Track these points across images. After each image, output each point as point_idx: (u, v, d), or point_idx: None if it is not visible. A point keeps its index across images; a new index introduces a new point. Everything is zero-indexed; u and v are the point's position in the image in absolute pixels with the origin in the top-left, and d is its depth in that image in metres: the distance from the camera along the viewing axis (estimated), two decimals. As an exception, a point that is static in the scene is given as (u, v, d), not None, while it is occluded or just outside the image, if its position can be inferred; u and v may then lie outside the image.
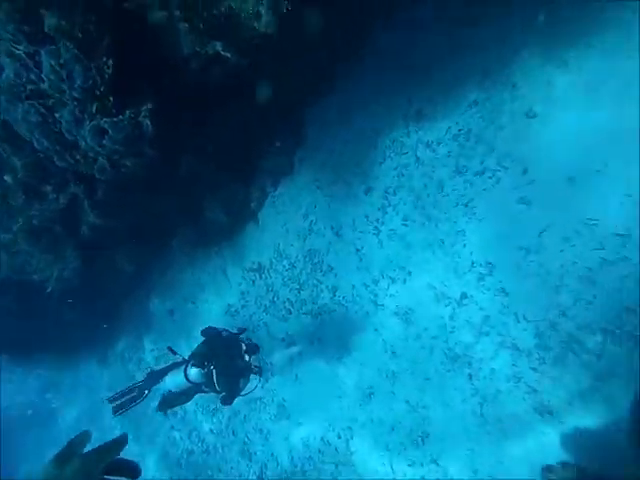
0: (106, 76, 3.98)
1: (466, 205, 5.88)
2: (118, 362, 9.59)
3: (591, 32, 5.36)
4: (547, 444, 5.21)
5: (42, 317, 7.10)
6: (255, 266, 7.68)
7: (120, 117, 4.37)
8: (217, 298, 8.16)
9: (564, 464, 4.36)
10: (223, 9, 4.06)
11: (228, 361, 5.48)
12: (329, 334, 6.91)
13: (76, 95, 4.09)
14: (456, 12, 6.17)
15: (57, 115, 4.38)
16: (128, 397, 6.56)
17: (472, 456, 5.74)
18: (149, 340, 9.10)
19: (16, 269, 6.30)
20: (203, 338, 5.75)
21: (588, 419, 5.00)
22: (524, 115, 5.61)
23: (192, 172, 6.33)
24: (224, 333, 5.74)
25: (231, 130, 6.19)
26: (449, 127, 6.11)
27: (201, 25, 4.18)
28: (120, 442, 1.27)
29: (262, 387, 6.84)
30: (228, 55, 4.41)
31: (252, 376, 5.83)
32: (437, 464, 5.99)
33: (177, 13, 3.98)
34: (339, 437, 6.78)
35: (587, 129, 5.20)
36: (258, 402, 7.53)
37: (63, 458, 1.13)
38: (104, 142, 4.42)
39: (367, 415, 6.53)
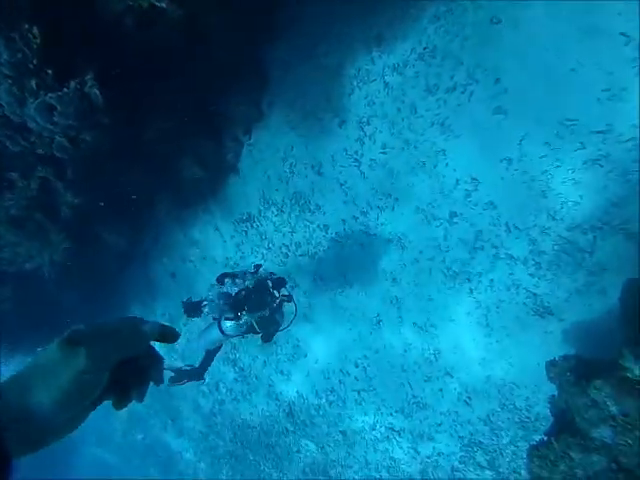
0: (34, 46, 3.69)
1: (442, 124, 5.68)
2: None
3: None
4: (551, 342, 5.38)
5: (42, 303, 7.17)
6: (245, 217, 7.60)
7: (65, 90, 4.12)
8: (214, 253, 8.17)
9: (565, 356, 4.51)
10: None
11: (259, 302, 5.40)
12: (328, 271, 6.96)
13: (7, 72, 3.81)
14: None
15: (-7, 97, 4.11)
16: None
17: (483, 364, 5.96)
18: (158, 305, 9.25)
19: (6, 261, 6.28)
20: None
21: (585, 313, 5.12)
22: (488, 22, 5.26)
23: (159, 134, 6.11)
24: (240, 276, 5.63)
25: (190, 86, 5.89)
26: (413, 47, 5.77)
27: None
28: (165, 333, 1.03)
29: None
30: (163, 5, 4.07)
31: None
32: (451, 376, 6.24)
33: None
34: (356, 366, 7.04)
35: (556, 28, 4.88)
36: (274, 346, 7.74)
37: (76, 339, 0.87)
38: (55, 119, 4.20)
39: (379, 342, 6.73)
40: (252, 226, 7.59)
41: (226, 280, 5.62)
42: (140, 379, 1.00)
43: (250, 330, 5.47)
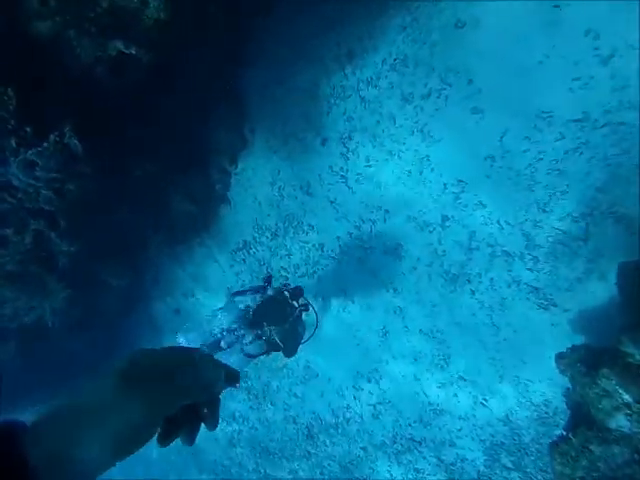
0: (11, 107, 3.76)
1: (422, 131, 5.73)
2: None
3: None
4: (558, 334, 5.33)
5: (47, 354, 7.16)
6: (241, 245, 7.62)
7: (45, 145, 4.18)
8: (215, 285, 8.18)
9: (573, 347, 4.47)
10: (106, 5, 3.78)
11: (280, 315, 5.16)
12: (329, 288, 6.94)
13: (-13, 135, 3.88)
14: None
15: (-25, 159, 4.16)
16: None
17: (494, 364, 5.91)
18: (165, 343, 9.22)
19: (7, 317, 6.29)
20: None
21: (589, 300, 5.10)
22: (453, 27, 5.36)
23: (145, 174, 6.17)
24: (252, 292, 5.41)
25: (171, 122, 5.97)
26: (384, 59, 5.87)
27: (92, 28, 3.90)
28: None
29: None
30: (132, 52, 4.15)
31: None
32: (464, 380, 6.18)
33: (59, 19, 3.70)
34: (369, 381, 6.97)
35: (520, 24, 4.98)
36: (285, 370, 7.69)
37: (134, 375, 0.79)
38: (37, 174, 4.25)
39: (389, 353, 6.67)
40: (249, 253, 7.60)
41: (237, 299, 5.38)
42: (192, 420, 0.91)
43: (272, 347, 5.19)
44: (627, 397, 3.52)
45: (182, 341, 5.21)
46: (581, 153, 4.86)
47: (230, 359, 5.31)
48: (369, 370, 6.91)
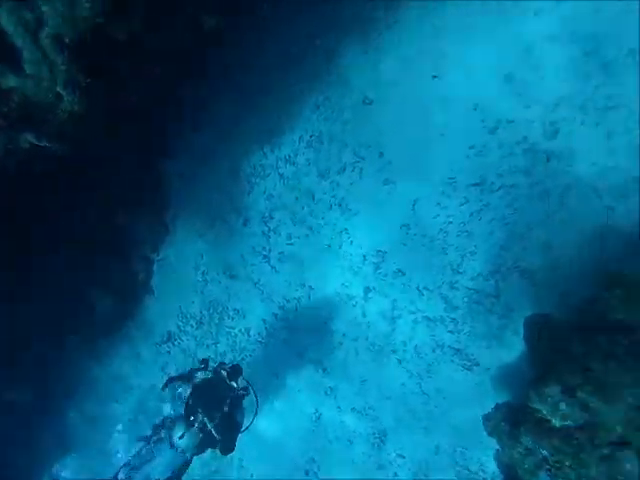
0: None
1: (339, 205, 6.08)
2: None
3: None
4: (483, 393, 5.37)
5: None
6: (165, 337, 7.25)
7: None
8: (139, 383, 7.55)
9: (496, 406, 4.52)
10: (17, 99, 3.84)
11: (217, 398, 4.52)
12: (258, 374, 6.64)
13: None
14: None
15: None
16: None
17: (428, 434, 5.76)
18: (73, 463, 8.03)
19: None
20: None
21: (506, 356, 5.29)
22: (362, 104, 5.99)
23: (62, 269, 5.89)
24: (187, 376, 4.77)
25: (88, 214, 5.89)
26: (300, 136, 6.34)
27: (2, 122, 3.91)
28: None
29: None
30: (46, 144, 4.17)
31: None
32: (403, 457, 5.91)
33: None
34: (307, 474, 6.46)
35: (421, 99, 5.72)
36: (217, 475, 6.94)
37: None
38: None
39: (324, 438, 6.32)
40: (174, 344, 7.23)
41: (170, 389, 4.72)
42: None
43: (207, 440, 4.43)
44: (545, 452, 3.53)
45: (63, 476, 4.48)
46: (480, 218, 5.35)
47: (161, 461, 4.54)
48: (306, 460, 6.46)
